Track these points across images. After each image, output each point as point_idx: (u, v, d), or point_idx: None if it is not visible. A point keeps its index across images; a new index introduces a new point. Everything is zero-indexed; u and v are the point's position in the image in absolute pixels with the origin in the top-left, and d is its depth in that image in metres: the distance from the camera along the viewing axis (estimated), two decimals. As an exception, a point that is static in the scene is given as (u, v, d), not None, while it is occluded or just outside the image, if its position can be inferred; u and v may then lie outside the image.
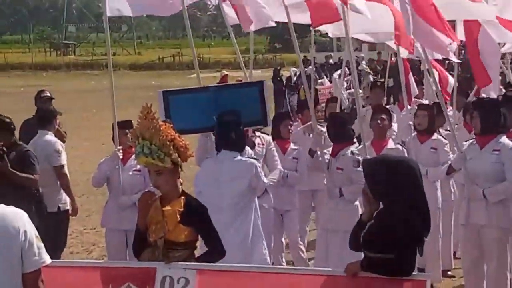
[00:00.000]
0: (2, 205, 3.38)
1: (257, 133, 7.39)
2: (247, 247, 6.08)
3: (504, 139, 6.21)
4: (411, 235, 3.70)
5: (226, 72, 20.23)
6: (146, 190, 5.20)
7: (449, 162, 7.03)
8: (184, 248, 4.37)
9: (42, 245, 3.38)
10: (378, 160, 4.60)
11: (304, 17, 7.70)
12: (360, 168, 5.16)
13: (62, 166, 7.62)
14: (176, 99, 6.98)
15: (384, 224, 3.73)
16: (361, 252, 3.92)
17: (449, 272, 7.98)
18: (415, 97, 11.09)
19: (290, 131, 7.85)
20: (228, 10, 8.52)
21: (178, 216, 4.31)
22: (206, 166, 6.45)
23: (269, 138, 7.57)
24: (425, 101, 10.33)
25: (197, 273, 4.24)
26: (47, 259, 3.41)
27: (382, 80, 17.06)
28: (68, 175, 7.78)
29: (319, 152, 7.02)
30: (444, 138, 7.72)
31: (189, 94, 7.42)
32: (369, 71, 23.17)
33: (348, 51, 8.00)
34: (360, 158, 6.21)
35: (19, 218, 3.36)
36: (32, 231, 3.36)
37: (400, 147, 7.21)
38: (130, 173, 6.85)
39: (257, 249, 6.24)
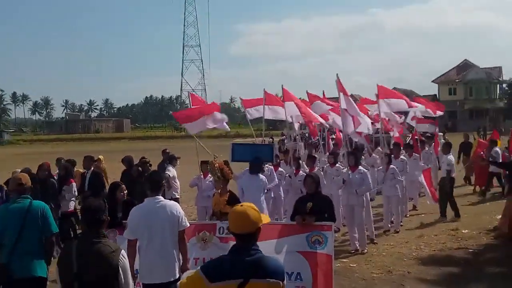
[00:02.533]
0: (168, 200, 6.89)
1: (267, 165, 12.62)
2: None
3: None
4: (332, 212, 8.20)
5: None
6: (214, 191, 10.12)
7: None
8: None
9: (184, 217, 6.61)
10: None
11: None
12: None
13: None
14: (237, 146, 12.85)
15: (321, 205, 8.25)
16: None
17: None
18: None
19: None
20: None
21: (226, 201, 8.91)
22: (245, 176, 11.69)
23: (271, 167, 12.92)
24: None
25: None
26: (187, 224, 6.76)
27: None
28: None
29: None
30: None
31: (242, 145, 13.29)
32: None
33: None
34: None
35: (177, 207, 6.69)
36: (181, 212, 6.61)
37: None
38: (207, 182, 12.48)
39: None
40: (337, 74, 13.20)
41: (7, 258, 6.23)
